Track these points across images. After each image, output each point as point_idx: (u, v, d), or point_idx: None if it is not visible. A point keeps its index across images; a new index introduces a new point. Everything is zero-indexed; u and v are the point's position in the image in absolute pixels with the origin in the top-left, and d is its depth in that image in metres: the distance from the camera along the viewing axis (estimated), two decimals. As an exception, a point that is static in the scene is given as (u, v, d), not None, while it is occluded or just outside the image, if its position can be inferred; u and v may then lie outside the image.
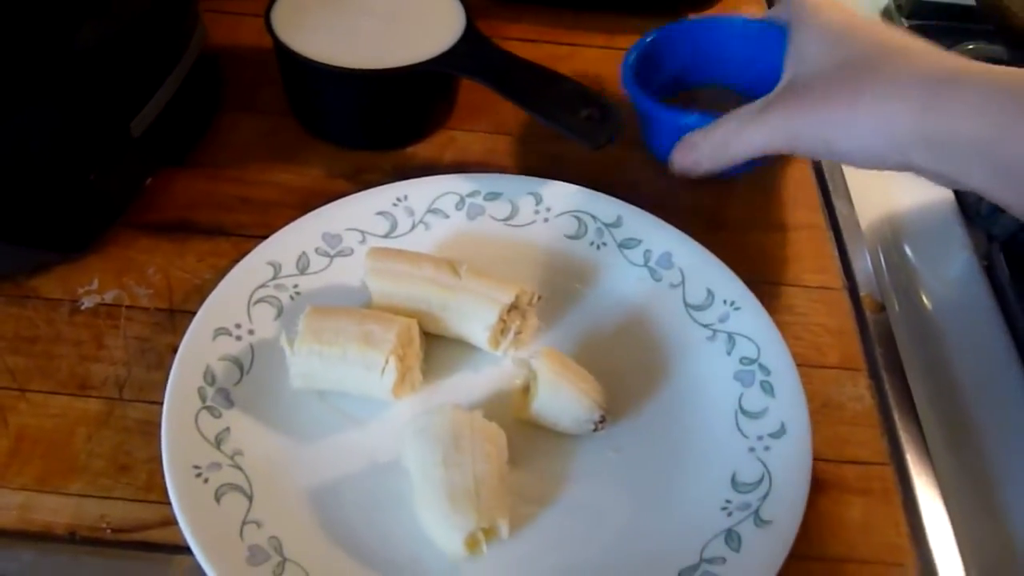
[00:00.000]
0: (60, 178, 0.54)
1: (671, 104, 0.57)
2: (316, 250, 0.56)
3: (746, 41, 0.63)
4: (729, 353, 0.53)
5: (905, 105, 0.42)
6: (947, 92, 0.41)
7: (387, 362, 0.48)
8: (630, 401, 0.52)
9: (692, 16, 0.62)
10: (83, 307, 0.55)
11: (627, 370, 0.53)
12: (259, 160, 0.64)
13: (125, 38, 0.53)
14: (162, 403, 0.47)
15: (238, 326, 0.52)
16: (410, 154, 0.66)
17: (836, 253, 0.62)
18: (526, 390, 0.50)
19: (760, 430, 0.50)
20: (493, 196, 0.60)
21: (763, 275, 0.59)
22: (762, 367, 0.52)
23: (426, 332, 0.53)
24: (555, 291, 0.56)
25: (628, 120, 0.57)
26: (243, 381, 0.50)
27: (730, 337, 0.54)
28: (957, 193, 0.68)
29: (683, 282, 0.57)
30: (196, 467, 0.46)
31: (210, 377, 0.49)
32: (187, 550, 0.43)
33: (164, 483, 0.45)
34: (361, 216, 0.58)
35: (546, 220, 0.60)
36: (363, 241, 0.57)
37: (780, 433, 0.49)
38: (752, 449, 0.49)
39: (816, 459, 0.48)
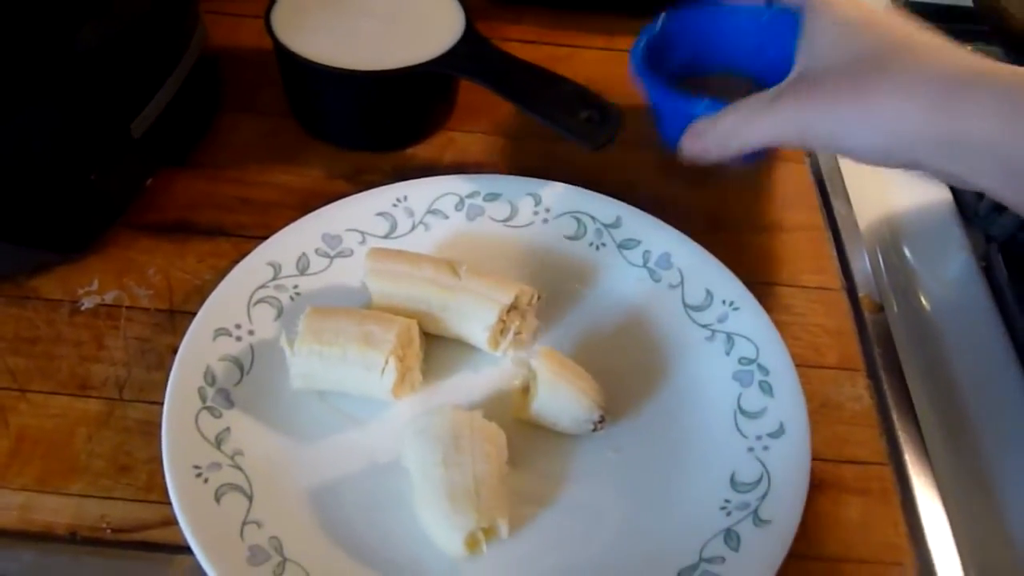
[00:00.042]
0: (61, 178, 0.54)
1: (681, 91, 0.56)
2: (316, 251, 0.56)
3: (758, 28, 0.60)
4: (728, 353, 0.54)
5: (915, 104, 0.41)
6: (960, 92, 0.41)
7: (387, 362, 0.48)
8: (629, 401, 0.52)
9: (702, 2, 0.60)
10: (83, 308, 0.55)
11: (626, 370, 0.53)
12: (259, 161, 0.64)
13: (126, 39, 0.53)
14: (162, 403, 0.48)
15: (238, 326, 0.52)
16: (410, 155, 0.66)
17: (834, 254, 0.63)
18: (526, 390, 0.50)
19: (759, 430, 0.50)
20: (492, 197, 0.60)
21: (762, 276, 0.59)
22: (761, 367, 0.52)
23: (426, 332, 0.53)
24: (554, 292, 0.56)
25: (627, 120, 0.57)
26: (243, 381, 0.50)
27: (729, 337, 0.54)
28: (955, 194, 0.68)
29: (682, 282, 0.57)
30: (196, 467, 0.46)
31: (210, 377, 0.49)
32: (187, 550, 0.43)
33: (164, 483, 0.45)
34: (361, 217, 0.58)
35: (545, 221, 0.60)
36: (363, 242, 0.57)
37: (779, 433, 0.49)
38: (751, 449, 0.49)
39: (815, 459, 0.48)
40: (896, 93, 0.42)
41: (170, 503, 0.44)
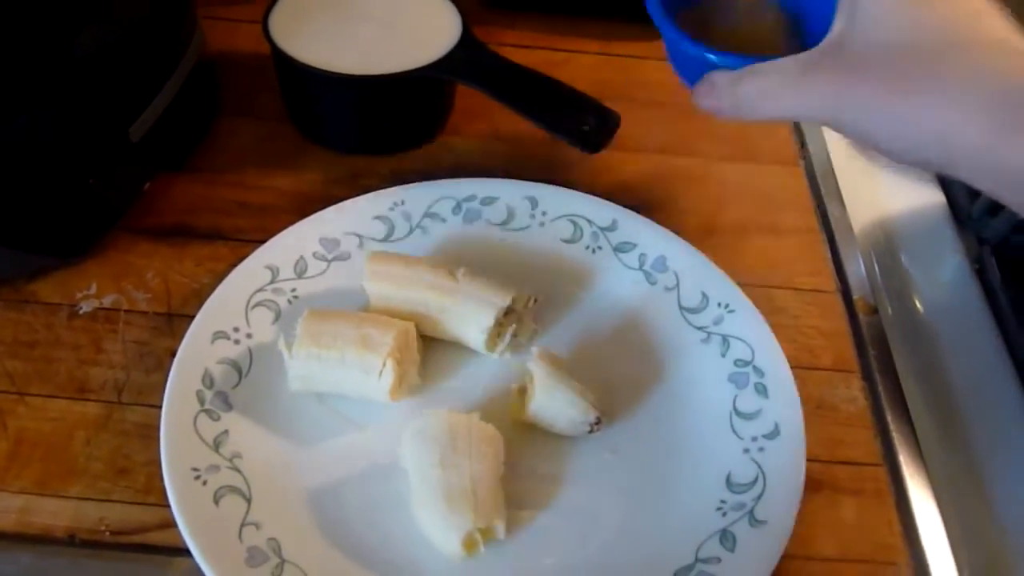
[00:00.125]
0: (59, 183, 0.54)
1: (694, 39, 0.48)
2: (314, 254, 0.56)
3: None
4: (723, 355, 0.54)
5: (973, 119, 0.35)
6: None
7: (385, 365, 0.48)
8: (626, 403, 0.52)
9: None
10: (82, 311, 0.55)
11: (623, 372, 0.54)
12: (257, 165, 0.65)
13: (124, 44, 0.53)
14: (161, 406, 0.48)
15: (236, 330, 0.52)
16: (407, 159, 0.67)
17: (829, 256, 0.63)
18: (522, 392, 0.51)
19: (754, 431, 0.50)
20: (489, 201, 0.60)
21: (757, 278, 0.59)
22: (756, 369, 0.53)
23: (423, 335, 0.53)
24: (551, 294, 0.57)
25: (624, 124, 0.58)
26: (241, 384, 0.50)
27: (724, 339, 0.54)
28: (949, 196, 0.69)
29: (678, 285, 0.57)
30: (195, 469, 0.46)
31: (208, 380, 0.50)
32: (186, 552, 0.43)
33: (163, 486, 0.45)
34: (359, 221, 0.58)
35: (542, 224, 0.60)
36: (361, 245, 0.57)
37: (774, 434, 0.50)
38: (746, 450, 0.50)
39: (810, 460, 0.49)
40: (953, 102, 0.36)
41: (169, 505, 0.44)
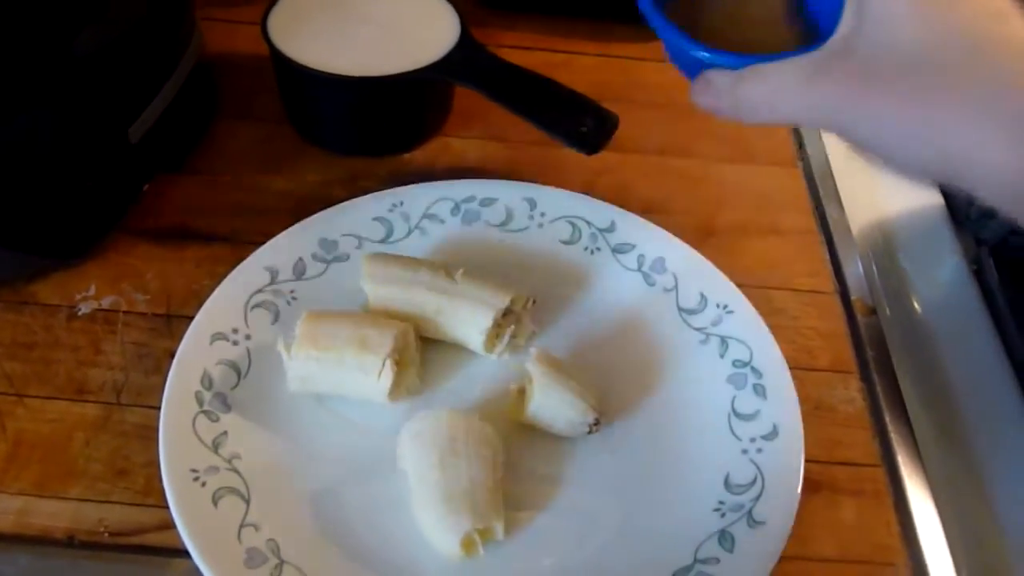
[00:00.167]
0: (58, 184, 0.54)
1: (686, 34, 0.44)
2: (313, 255, 0.56)
3: None
4: (722, 356, 0.54)
5: (997, 135, 0.32)
6: None
7: (383, 366, 0.48)
8: (624, 404, 0.52)
9: None
10: (80, 313, 0.55)
11: (621, 373, 0.54)
12: (256, 167, 0.65)
13: (123, 45, 0.53)
14: (160, 408, 0.48)
15: (235, 331, 0.52)
16: (406, 160, 0.67)
17: (827, 257, 0.63)
18: (521, 393, 0.51)
19: (753, 432, 0.50)
20: (488, 202, 0.60)
21: (755, 279, 0.59)
22: (754, 370, 0.53)
23: (422, 336, 0.53)
24: (549, 295, 0.57)
25: (622, 125, 0.58)
26: (240, 385, 0.50)
27: (723, 340, 0.54)
28: (947, 198, 0.69)
29: (676, 286, 0.57)
30: (194, 471, 0.46)
31: (207, 381, 0.50)
32: (185, 553, 0.43)
33: (162, 487, 0.45)
34: (357, 222, 0.58)
35: (540, 225, 0.60)
36: (359, 246, 0.57)
37: (772, 435, 0.50)
38: (745, 451, 0.50)
39: (808, 460, 0.49)
40: (974, 117, 0.33)
41: (168, 507, 0.44)
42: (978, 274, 0.64)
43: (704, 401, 0.52)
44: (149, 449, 0.48)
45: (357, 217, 0.58)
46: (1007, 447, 0.55)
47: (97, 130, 0.55)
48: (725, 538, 0.46)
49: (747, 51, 0.41)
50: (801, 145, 0.71)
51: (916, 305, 0.62)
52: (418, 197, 0.60)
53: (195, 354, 0.50)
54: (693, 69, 0.43)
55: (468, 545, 0.44)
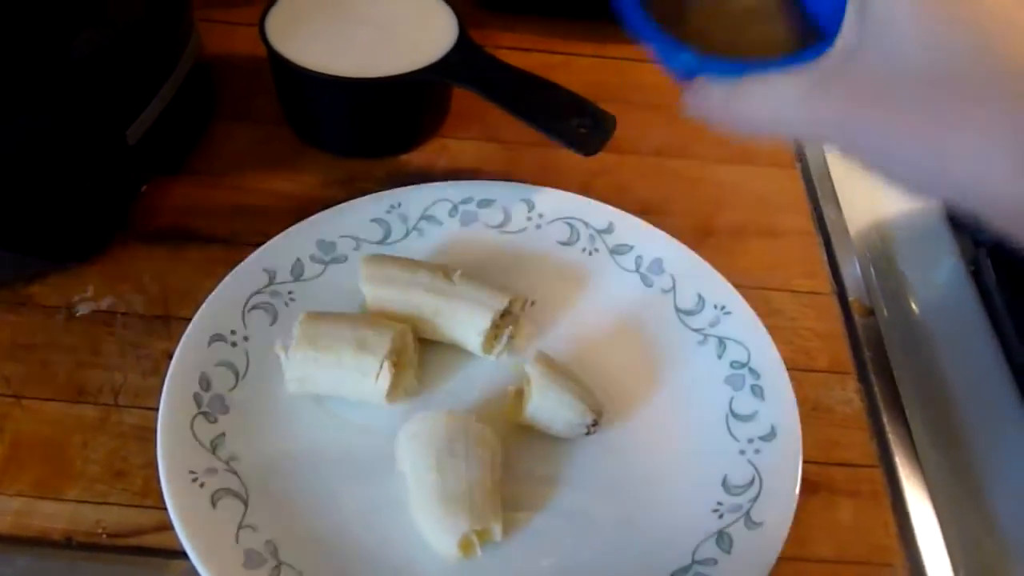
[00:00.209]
0: (56, 186, 0.54)
1: (672, 21, 0.40)
2: (311, 257, 0.56)
3: None
4: (720, 357, 0.54)
5: (1019, 159, 0.30)
6: None
7: (382, 367, 0.48)
8: (622, 405, 0.52)
9: None
10: (79, 314, 0.55)
11: (619, 374, 0.54)
12: (254, 168, 0.65)
13: (121, 47, 0.53)
14: (158, 409, 0.48)
15: (233, 332, 0.52)
16: (404, 162, 0.67)
17: (825, 258, 0.63)
18: (519, 394, 0.51)
19: (751, 433, 0.50)
20: (486, 203, 0.60)
21: (753, 280, 0.59)
22: (752, 371, 0.53)
23: (420, 337, 0.53)
24: (548, 297, 0.57)
25: (620, 127, 0.58)
26: (238, 387, 0.50)
27: (721, 341, 0.55)
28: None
29: (674, 287, 0.57)
30: (192, 472, 0.46)
31: (205, 383, 0.50)
32: (183, 555, 0.43)
33: (160, 488, 0.45)
34: (355, 223, 0.58)
35: (538, 227, 0.60)
36: (357, 248, 0.57)
37: (770, 436, 0.50)
38: (743, 452, 0.50)
39: (806, 461, 0.49)
40: (993, 139, 0.31)
41: (166, 508, 0.44)
42: (976, 275, 0.64)
43: (702, 402, 0.53)
44: (147, 450, 0.48)
45: (355, 218, 0.59)
46: (1005, 448, 0.55)
47: (95, 132, 0.55)
48: (723, 539, 0.46)
49: (739, 53, 0.39)
50: (799, 146, 0.71)
51: (914, 306, 0.62)
52: (416, 198, 0.60)
53: (193, 355, 0.50)
54: (675, 69, 0.41)
55: (466, 546, 0.44)
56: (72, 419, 0.50)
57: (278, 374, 0.50)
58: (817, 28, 0.38)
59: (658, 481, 0.50)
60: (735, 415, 0.52)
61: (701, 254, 0.58)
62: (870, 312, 0.60)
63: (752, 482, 0.48)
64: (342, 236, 0.58)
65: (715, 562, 0.45)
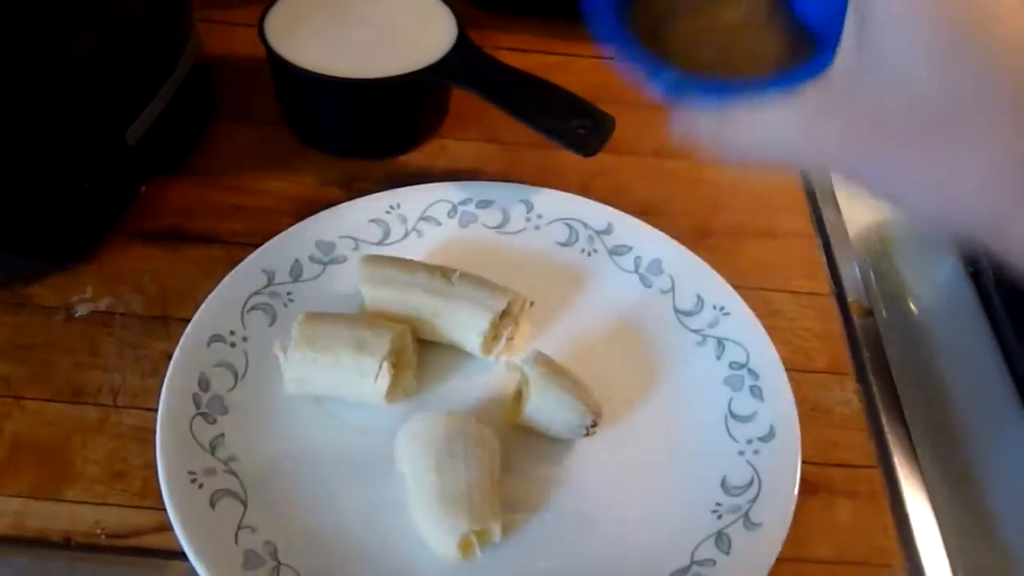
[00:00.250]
0: (56, 186, 0.54)
1: (647, 54, 0.35)
2: (310, 257, 0.56)
3: None
4: (719, 358, 0.54)
5: (1004, 182, 0.28)
6: None
7: (380, 368, 0.48)
8: (621, 406, 0.52)
9: None
10: (77, 315, 0.55)
11: (618, 375, 0.54)
12: (253, 168, 0.65)
13: (120, 47, 0.53)
14: (157, 410, 0.48)
15: (232, 333, 0.52)
16: (403, 162, 0.67)
17: (824, 259, 0.63)
18: (518, 395, 0.51)
19: (749, 434, 0.50)
20: (485, 204, 0.60)
21: (752, 281, 0.59)
22: (751, 372, 0.53)
23: (419, 338, 0.53)
24: (547, 297, 0.57)
25: (619, 127, 0.58)
26: (237, 387, 0.50)
27: (720, 342, 0.55)
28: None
29: (673, 288, 0.57)
30: (191, 473, 0.46)
31: (204, 383, 0.50)
32: (182, 555, 0.43)
33: (159, 489, 0.45)
34: (354, 224, 0.58)
35: (537, 227, 0.60)
36: (356, 248, 0.57)
37: (769, 436, 0.50)
38: (742, 452, 0.50)
39: (805, 462, 0.49)
40: (1008, 168, 0.28)
41: (165, 509, 0.44)
42: (975, 276, 0.64)
43: (701, 403, 0.53)
44: (146, 451, 0.48)
45: (354, 219, 0.59)
46: (1003, 448, 0.55)
47: (94, 132, 0.55)
48: (722, 540, 0.46)
49: (728, 70, 0.35)
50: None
51: (912, 307, 0.62)
52: (415, 199, 0.60)
53: (192, 356, 0.50)
54: (660, 88, 0.36)
55: (465, 547, 0.44)
56: (71, 420, 0.50)
57: (277, 375, 0.50)
58: (811, 36, 0.35)
59: (657, 482, 0.50)
60: (734, 416, 0.52)
61: (700, 255, 0.58)
62: (869, 313, 0.60)
63: (751, 483, 0.48)
64: (341, 237, 0.58)
65: (714, 563, 0.45)
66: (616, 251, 0.59)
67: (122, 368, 0.53)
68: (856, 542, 0.49)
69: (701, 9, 0.37)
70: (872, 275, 0.63)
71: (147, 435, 0.48)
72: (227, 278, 0.54)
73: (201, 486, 0.46)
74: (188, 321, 0.52)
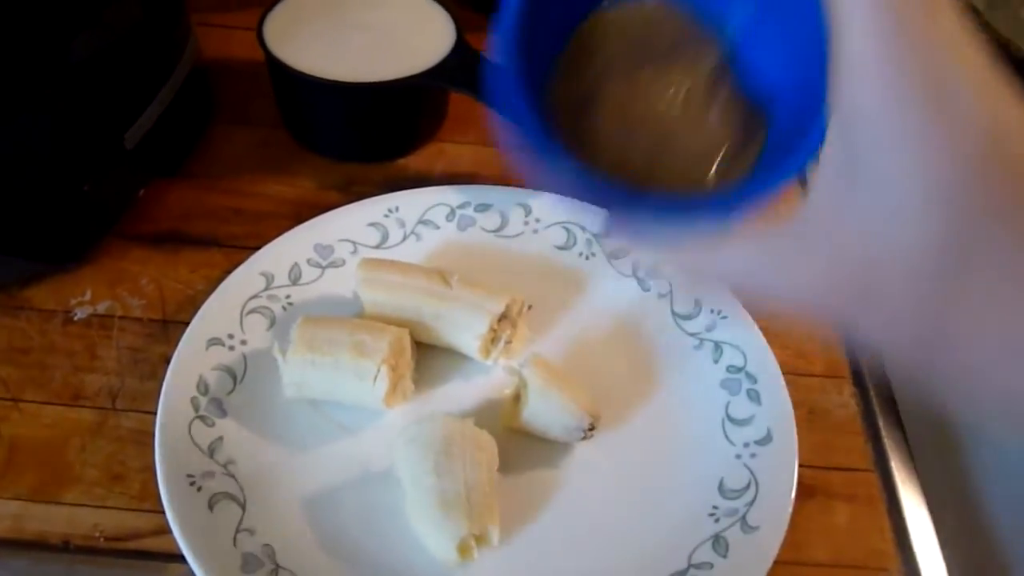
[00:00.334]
0: (54, 189, 0.54)
1: (569, 155, 0.29)
2: (308, 261, 0.57)
3: None
4: (716, 361, 0.54)
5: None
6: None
7: (379, 371, 0.48)
8: (619, 409, 0.52)
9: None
10: (76, 318, 0.55)
11: (616, 378, 0.54)
12: (251, 172, 0.65)
13: (119, 51, 0.53)
14: (155, 413, 0.48)
15: (231, 336, 0.52)
16: (401, 166, 0.67)
17: (821, 263, 0.63)
18: (516, 398, 0.51)
19: (747, 437, 0.51)
20: (483, 207, 0.61)
21: (749, 285, 0.59)
22: (748, 375, 0.53)
23: (417, 341, 0.53)
24: (545, 301, 0.57)
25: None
26: (236, 391, 0.50)
27: (717, 346, 0.55)
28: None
29: (671, 292, 0.57)
30: (190, 476, 0.46)
31: (203, 387, 0.50)
32: (181, 558, 0.43)
33: (158, 492, 0.45)
34: (353, 227, 0.58)
35: (535, 231, 0.60)
36: (355, 252, 0.58)
37: (766, 440, 0.50)
38: (739, 456, 0.50)
39: (802, 466, 0.49)
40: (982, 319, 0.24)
41: (163, 512, 0.44)
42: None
43: (698, 406, 0.53)
44: (145, 454, 0.48)
45: (352, 222, 0.59)
46: (1000, 451, 0.55)
47: (93, 135, 0.55)
48: (719, 543, 0.46)
49: (663, 172, 0.29)
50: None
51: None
52: (413, 203, 0.60)
53: (191, 359, 0.50)
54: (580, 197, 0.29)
55: (464, 550, 0.44)
56: (70, 423, 0.50)
57: (276, 378, 0.50)
58: (760, 107, 0.30)
59: (654, 485, 0.50)
60: (731, 419, 0.52)
61: (698, 258, 0.58)
62: (866, 316, 0.60)
63: (748, 486, 0.48)
64: (339, 240, 0.58)
65: (711, 566, 0.46)
66: (614, 254, 0.59)
67: (121, 371, 0.53)
68: (853, 545, 0.49)
69: (635, 80, 0.30)
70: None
71: (146, 438, 0.48)
72: (226, 281, 0.54)
73: (200, 489, 0.46)
74: (187, 324, 0.52)
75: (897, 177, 0.23)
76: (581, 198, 0.29)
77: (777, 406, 0.51)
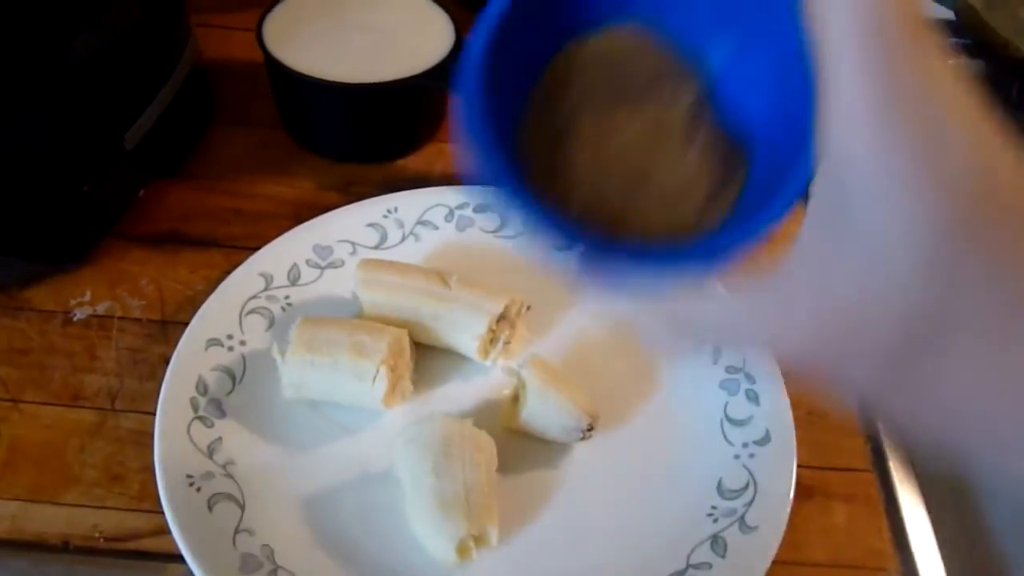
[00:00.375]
0: (54, 190, 0.54)
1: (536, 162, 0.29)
2: (307, 261, 0.57)
3: None
4: (715, 362, 0.54)
5: None
6: None
7: (378, 372, 0.48)
8: (618, 409, 0.52)
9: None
10: (75, 318, 0.55)
11: (615, 379, 0.54)
12: (251, 172, 0.65)
13: (118, 51, 0.54)
14: (155, 413, 0.48)
15: (230, 337, 0.52)
16: (400, 167, 0.67)
17: (820, 263, 0.63)
18: (515, 399, 0.51)
19: (745, 437, 0.51)
20: (482, 208, 0.61)
21: (748, 285, 0.59)
22: (747, 376, 0.53)
23: (416, 342, 0.53)
24: (543, 301, 0.57)
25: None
26: (235, 391, 0.51)
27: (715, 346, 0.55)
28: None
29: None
30: (189, 476, 0.46)
31: (202, 387, 0.50)
32: (180, 559, 0.43)
33: (157, 492, 0.45)
34: (352, 228, 0.59)
35: (535, 231, 0.60)
36: (354, 252, 0.58)
37: (765, 440, 0.50)
38: (737, 456, 0.50)
39: (800, 466, 0.49)
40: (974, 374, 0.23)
41: (163, 512, 0.44)
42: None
43: (697, 407, 0.53)
44: (144, 455, 0.48)
45: (351, 223, 0.59)
46: (998, 452, 0.55)
47: (93, 136, 0.55)
48: (718, 543, 0.46)
49: (640, 207, 0.28)
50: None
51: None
52: (412, 203, 0.60)
53: (190, 360, 0.50)
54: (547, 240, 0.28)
55: (463, 551, 0.44)
56: (69, 423, 0.50)
57: (275, 379, 0.50)
58: (741, 144, 0.29)
59: (653, 485, 0.50)
60: (730, 420, 0.52)
61: (696, 259, 0.58)
62: (864, 317, 0.60)
63: (747, 486, 0.49)
64: (338, 241, 0.58)
65: (709, 566, 0.46)
66: (613, 255, 0.59)
67: (120, 372, 0.53)
68: (851, 545, 0.49)
69: (611, 115, 0.29)
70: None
71: (145, 439, 0.48)
72: (225, 282, 0.54)
73: (199, 489, 0.46)
74: (186, 325, 0.52)
75: (884, 230, 0.22)
76: (552, 241, 0.28)
77: (775, 406, 0.51)
